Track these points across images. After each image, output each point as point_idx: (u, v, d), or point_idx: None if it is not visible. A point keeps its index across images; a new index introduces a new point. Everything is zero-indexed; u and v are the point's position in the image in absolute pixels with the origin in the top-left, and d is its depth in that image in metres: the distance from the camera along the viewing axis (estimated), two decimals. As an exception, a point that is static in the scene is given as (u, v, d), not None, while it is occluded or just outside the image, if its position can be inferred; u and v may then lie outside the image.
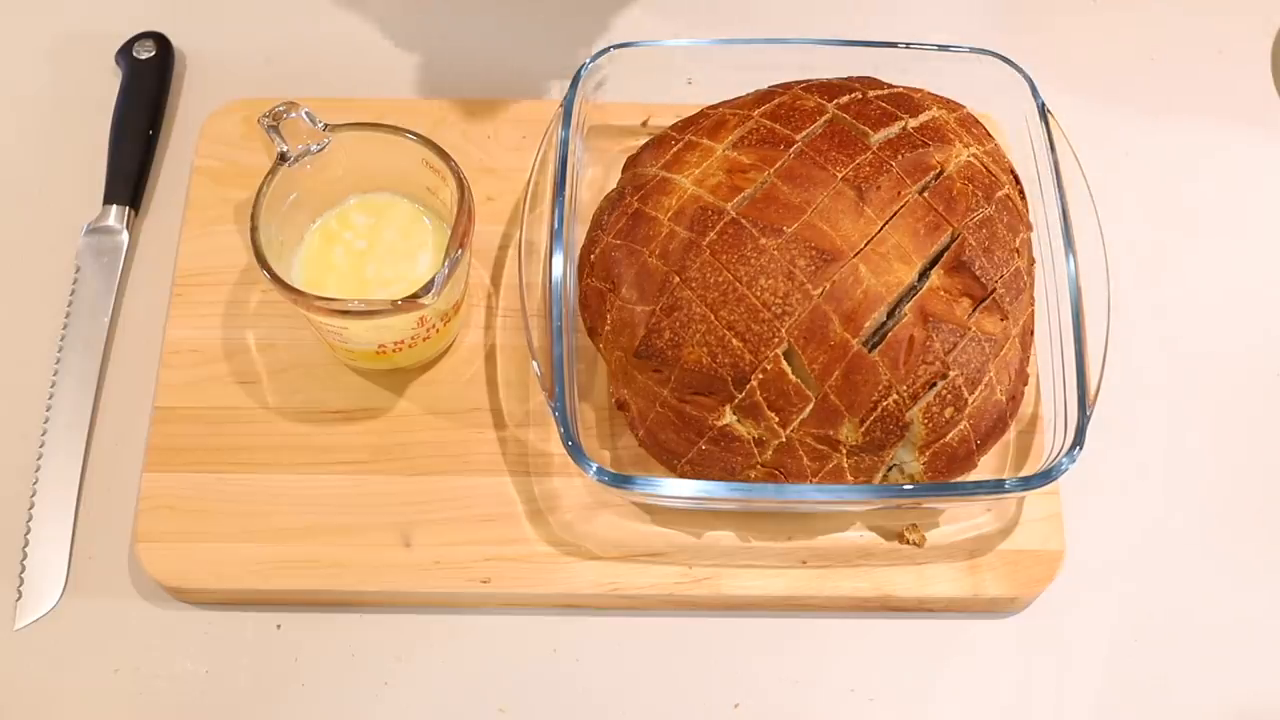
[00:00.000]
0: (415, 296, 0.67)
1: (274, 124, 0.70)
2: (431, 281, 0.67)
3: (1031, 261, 0.74)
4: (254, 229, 0.69)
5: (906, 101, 0.74)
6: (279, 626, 0.72)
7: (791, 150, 0.70)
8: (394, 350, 0.73)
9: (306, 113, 0.71)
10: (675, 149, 0.73)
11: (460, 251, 0.68)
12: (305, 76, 0.88)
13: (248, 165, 0.82)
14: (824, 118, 0.72)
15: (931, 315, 0.67)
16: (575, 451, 0.67)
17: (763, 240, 0.67)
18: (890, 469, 0.70)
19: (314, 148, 0.71)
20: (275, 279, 0.68)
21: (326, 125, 0.71)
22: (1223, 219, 0.86)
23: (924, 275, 0.68)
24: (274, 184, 0.70)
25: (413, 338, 0.72)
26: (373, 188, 0.76)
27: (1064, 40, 0.93)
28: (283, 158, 0.71)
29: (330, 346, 0.75)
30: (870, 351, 0.67)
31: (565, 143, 0.74)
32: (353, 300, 0.67)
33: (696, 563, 0.72)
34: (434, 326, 0.73)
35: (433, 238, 0.75)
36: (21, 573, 0.72)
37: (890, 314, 0.68)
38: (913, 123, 0.73)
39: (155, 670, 0.71)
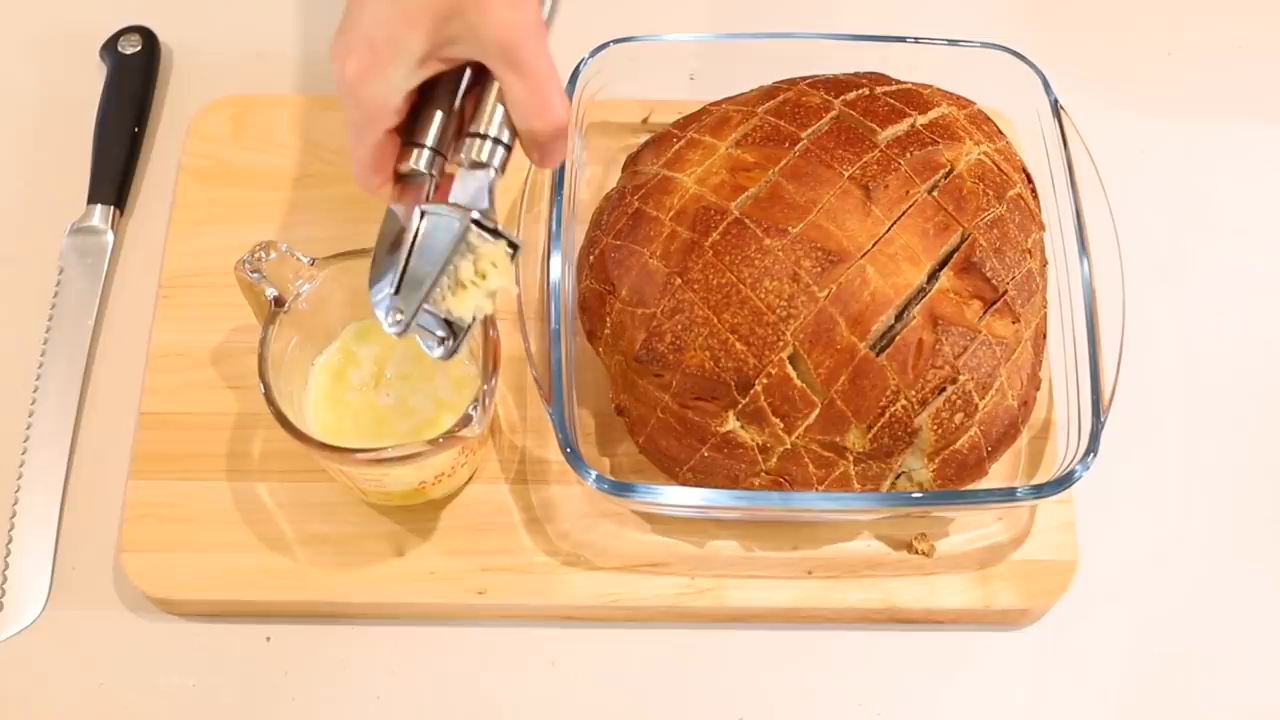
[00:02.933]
0: (454, 431, 0.63)
1: (256, 269, 0.66)
2: (469, 416, 0.63)
3: (1044, 262, 0.74)
4: (267, 389, 0.64)
5: (915, 98, 0.74)
6: (268, 638, 0.72)
7: (797, 148, 0.70)
8: (434, 483, 0.69)
9: (288, 248, 0.66)
10: (677, 147, 0.73)
11: (494, 379, 0.64)
12: (296, 73, 0.88)
13: (236, 164, 0.82)
14: (830, 114, 0.72)
15: (941, 318, 0.67)
16: (574, 459, 0.67)
17: (767, 241, 0.67)
18: (898, 476, 0.69)
19: (305, 287, 0.67)
20: (311, 441, 0.64)
21: (314, 260, 0.67)
22: (1241, 218, 0.86)
23: (933, 277, 0.68)
24: (274, 334, 0.65)
25: (452, 467, 0.68)
26: (371, 314, 0.65)
27: (1077, 34, 0.93)
28: (277, 303, 0.66)
29: (361, 492, 0.71)
30: (878, 355, 0.66)
31: (563, 140, 0.74)
32: (399, 446, 0.63)
33: (699, 573, 0.72)
34: (473, 451, 0.70)
35: None
36: (4, 583, 0.72)
37: (898, 317, 0.67)
38: (921, 120, 0.72)
39: (141, 684, 0.70)
